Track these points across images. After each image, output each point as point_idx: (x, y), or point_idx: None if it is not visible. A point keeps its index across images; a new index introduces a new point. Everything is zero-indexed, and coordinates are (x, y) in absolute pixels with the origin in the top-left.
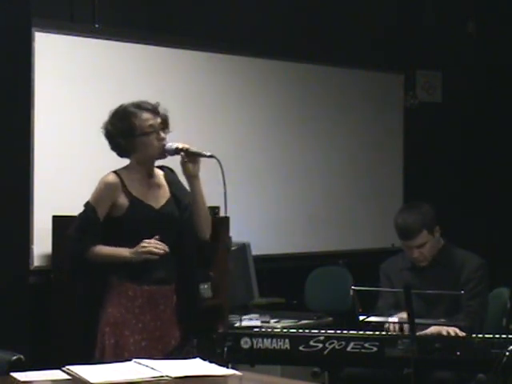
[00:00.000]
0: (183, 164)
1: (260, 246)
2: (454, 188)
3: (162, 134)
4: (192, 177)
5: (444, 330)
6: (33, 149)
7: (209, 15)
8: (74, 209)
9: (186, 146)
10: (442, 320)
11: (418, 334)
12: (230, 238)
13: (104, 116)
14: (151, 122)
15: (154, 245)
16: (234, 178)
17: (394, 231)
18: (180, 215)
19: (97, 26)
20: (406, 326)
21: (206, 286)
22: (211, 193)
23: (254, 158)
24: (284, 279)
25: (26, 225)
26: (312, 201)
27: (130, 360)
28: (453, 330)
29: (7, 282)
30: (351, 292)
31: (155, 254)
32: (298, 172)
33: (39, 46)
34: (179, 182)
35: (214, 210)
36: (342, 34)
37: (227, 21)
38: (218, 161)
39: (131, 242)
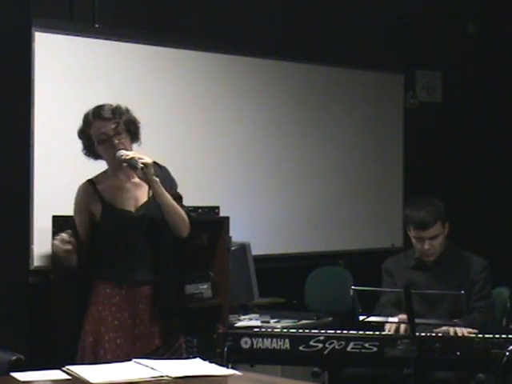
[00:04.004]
0: (134, 171)
1: (260, 246)
2: (454, 188)
3: (116, 141)
4: (146, 182)
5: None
6: (33, 149)
7: (209, 15)
8: None
9: (128, 156)
10: (456, 320)
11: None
12: (230, 237)
13: None
14: (103, 129)
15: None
16: (234, 178)
17: (394, 231)
18: (159, 214)
19: (97, 26)
20: (402, 327)
21: (206, 286)
22: (211, 193)
23: (253, 158)
24: (284, 279)
25: (26, 225)
26: (312, 201)
27: (107, 358)
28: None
29: (7, 282)
30: (351, 292)
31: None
32: (298, 172)
33: (39, 45)
34: (166, 177)
35: (214, 209)
36: (342, 34)
37: (227, 21)
38: (145, 172)
39: (106, 246)
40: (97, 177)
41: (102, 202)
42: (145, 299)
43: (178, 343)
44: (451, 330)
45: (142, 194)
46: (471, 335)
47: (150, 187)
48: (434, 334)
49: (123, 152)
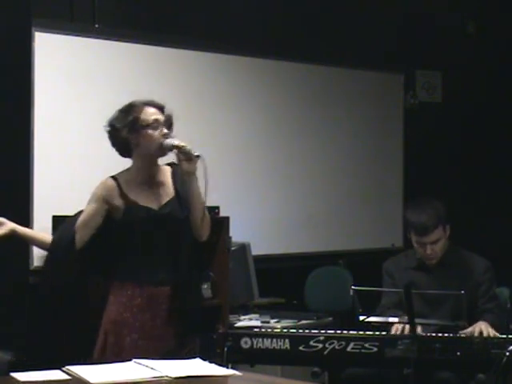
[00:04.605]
0: (179, 162)
1: (260, 246)
2: (454, 188)
3: (165, 130)
4: (188, 175)
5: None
6: (33, 149)
7: (209, 15)
8: (74, 209)
9: (182, 143)
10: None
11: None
12: (230, 237)
13: (104, 116)
14: (157, 116)
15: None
16: (234, 178)
17: (393, 231)
18: (182, 214)
19: (97, 26)
20: (407, 328)
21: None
22: (211, 193)
23: (253, 158)
24: (284, 279)
25: (26, 225)
26: (312, 201)
27: (128, 359)
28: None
29: (7, 282)
30: (351, 292)
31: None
32: (298, 172)
33: (39, 45)
34: None
35: (214, 209)
36: (342, 34)
37: (227, 21)
38: (203, 161)
39: (128, 245)
40: (119, 174)
41: (125, 198)
42: (166, 300)
43: (193, 344)
44: (477, 330)
45: (165, 193)
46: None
47: (187, 182)
48: (433, 334)
49: (176, 139)
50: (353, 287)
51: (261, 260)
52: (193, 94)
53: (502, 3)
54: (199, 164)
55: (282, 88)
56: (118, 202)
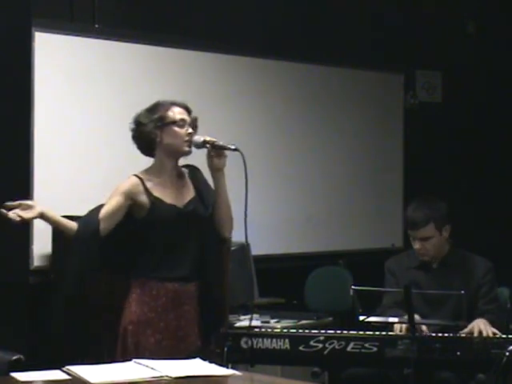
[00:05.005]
0: (209, 158)
1: (260, 246)
2: (454, 188)
3: (191, 130)
4: (217, 171)
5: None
6: (33, 149)
7: (209, 15)
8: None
9: (213, 139)
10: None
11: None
12: (230, 237)
13: (104, 115)
14: (183, 116)
15: None
16: (234, 177)
17: (394, 231)
18: (205, 212)
19: (97, 26)
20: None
21: None
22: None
23: (253, 157)
24: (284, 279)
25: (26, 225)
26: (312, 201)
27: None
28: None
29: (7, 282)
30: (351, 292)
31: None
32: (298, 172)
33: (39, 46)
34: (204, 179)
35: None
36: (342, 33)
37: (227, 21)
38: (242, 154)
39: (155, 242)
40: (141, 173)
41: (150, 196)
42: (189, 300)
43: (212, 343)
44: (476, 330)
45: (187, 192)
46: (490, 335)
47: (215, 179)
48: (433, 334)
49: (206, 136)
50: (353, 287)
51: (261, 260)
52: (193, 94)
53: (502, 3)
54: (237, 157)
55: (282, 88)
56: (143, 199)
